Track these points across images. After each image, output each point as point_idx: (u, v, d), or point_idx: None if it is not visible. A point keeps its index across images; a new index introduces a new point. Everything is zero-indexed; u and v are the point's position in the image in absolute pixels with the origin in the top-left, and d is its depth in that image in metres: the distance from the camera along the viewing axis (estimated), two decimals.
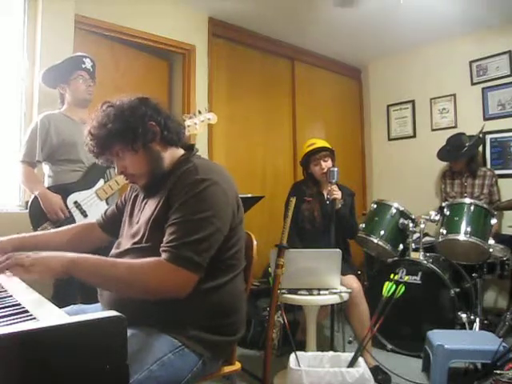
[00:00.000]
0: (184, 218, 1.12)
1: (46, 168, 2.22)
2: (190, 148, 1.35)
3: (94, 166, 2.19)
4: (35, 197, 2.07)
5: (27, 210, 2.11)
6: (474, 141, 3.40)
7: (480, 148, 3.61)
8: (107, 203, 2.17)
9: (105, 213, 1.52)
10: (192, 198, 1.13)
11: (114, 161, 1.27)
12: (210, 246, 1.13)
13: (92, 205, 2.12)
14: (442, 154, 3.57)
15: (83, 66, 2.20)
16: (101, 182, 2.17)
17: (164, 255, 1.10)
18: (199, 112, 2.23)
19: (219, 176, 1.20)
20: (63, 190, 2.10)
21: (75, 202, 2.10)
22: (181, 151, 1.32)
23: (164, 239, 1.13)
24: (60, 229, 1.53)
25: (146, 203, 1.30)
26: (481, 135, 3.50)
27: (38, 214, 2.05)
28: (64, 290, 2.01)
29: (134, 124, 1.20)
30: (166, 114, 1.29)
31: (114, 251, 1.32)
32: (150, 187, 1.28)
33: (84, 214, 2.11)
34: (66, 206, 2.08)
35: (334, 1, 3.12)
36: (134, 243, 1.24)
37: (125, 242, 1.30)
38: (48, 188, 2.12)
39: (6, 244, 1.36)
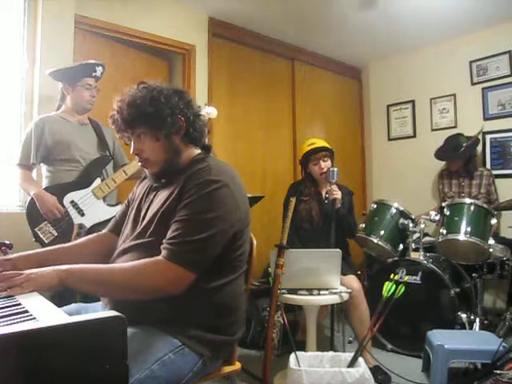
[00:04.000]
0: (189, 217, 1.13)
1: (43, 169, 2.23)
2: (206, 148, 1.36)
3: (90, 165, 2.19)
4: (32, 197, 2.07)
5: None
6: (472, 142, 3.41)
7: (479, 149, 3.61)
8: (104, 202, 2.17)
9: (115, 219, 1.49)
10: (200, 198, 1.14)
11: (133, 140, 1.27)
12: (212, 246, 1.14)
13: (89, 204, 2.12)
14: (439, 154, 3.58)
15: (94, 74, 2.22)
16: (98, 181, 2.17)
17: (163, 252, 1.11)
18: (198, 107, 2.22)
19: (230, 179, 1.21)
20: (59, 189, 2.10)
21: (72, 202, 2.10)
22: (198, 150, 1.33)
23: (167, 235, 1.14)
24: (77, 241, 1.50)
25: (154, 197, 1.30)
26: (479, 136, 3.51)
27: (35, 214, 2.05)
28: (62, 291, 1.99)
29: (165, 113, 1.21)
30: (196, 112, 1.31)
31: (118, 247, 1.32)
32: (160, 177, 1.29)
33: (81, 213, 2.10)
34: (63, 205, 2.08)
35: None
36: (137, 238, 1.24)
37: (128, 237, 1.30)
38: (45, 188, 2.12)
39: (29, 260, 1.29)
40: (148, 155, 1.26)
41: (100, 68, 2.25)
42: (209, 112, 2.24)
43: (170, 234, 1.14)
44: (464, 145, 3.38)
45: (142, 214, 1.30)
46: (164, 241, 1.13)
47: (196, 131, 1.29)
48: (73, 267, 1.10)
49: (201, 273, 1.13)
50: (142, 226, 1.25)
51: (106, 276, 1.11)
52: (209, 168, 1.19)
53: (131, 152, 1.29)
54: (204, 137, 1.35)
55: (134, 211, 1.35)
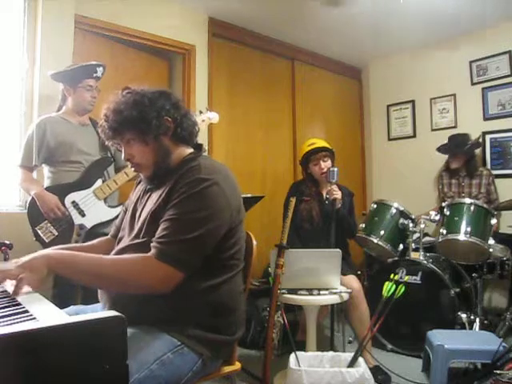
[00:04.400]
0: (178, 216, 1.13)
1: (45, 169, 2.23)
2: (198, 147, 1.36)
3: (92, 166, 2.19)
4: (32, 197, 2.08)
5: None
6: (476, 142, 3.44)
7: (479, 149, 3.61)
8: (105, 203, 2.17)
9: (116, 225, 1.50)
10: (190, 197, 1.13)
11: (123, 147, 1.27)
12: (202, 245, 1.13)
13: (90, 204, 2.12)
14: (442, 149, 3.56)
15: (94, 74, 2.23)
16: (99, 182, 2.17)
17: (152, 251, 1.11)
18: (200, 112, 2.22)
19: (222, 177, 1.20)
20: (60, 189, 2.11)
21: (73, 202, 2.11)
22: (189, 150, 1.33)
23: (156, 234, 1.14)
24: (83, 245, 1.50)
25: (148, 199, 1.31)
26: (480, 140, 3.53)
27: (36, 214, 2.06)
28: (64, 291, 2.01)
29: (150, 116, 1.20)
30: (184, 112, 1.30)
31: (115, 247, 1.33)
32: (154, 179, 1.29)
33: (82, 213, 2.11)
34: (64, 205, 2.08)
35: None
36: (133, 239, 1.24)
37: (124, 238, 1.31)
38: (46, 188, 2.13)
39: None
40: (139, 160, 1.26)
41: (100, 68, 2.25)
42: (210, 117, 2.23)
43: (158, 232, 1.13)
44: (469, 143, 3.39)
45: (137, 216, 1.30)
46: (153, 239, 1.13)
47: (184, 130, 1.28)
48: (62, 253, 1.11)
49: (192, 272, 1.13)
50: (137, 228, 1.25)
51: (94, 267, 1.10)
52: (199, 167, 1.19)
53: (122, 159, 1.29)
54: (194, 136, 1.34)
55: (130, 213, 1.36)
